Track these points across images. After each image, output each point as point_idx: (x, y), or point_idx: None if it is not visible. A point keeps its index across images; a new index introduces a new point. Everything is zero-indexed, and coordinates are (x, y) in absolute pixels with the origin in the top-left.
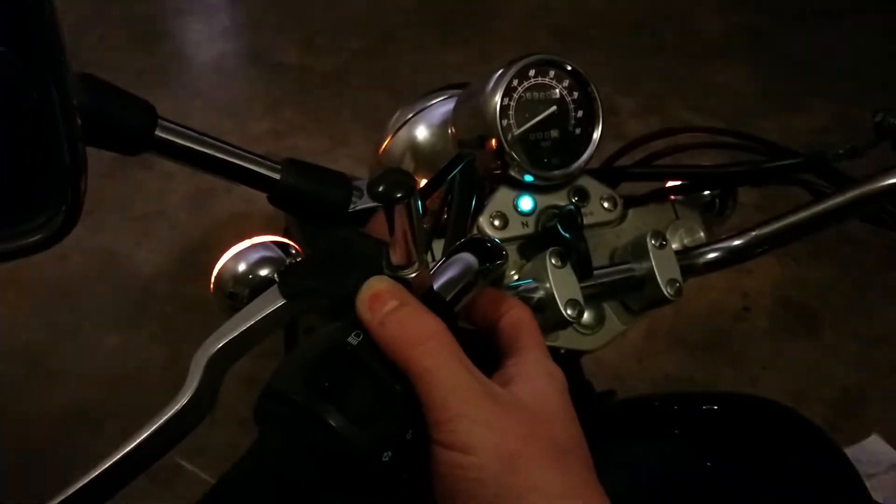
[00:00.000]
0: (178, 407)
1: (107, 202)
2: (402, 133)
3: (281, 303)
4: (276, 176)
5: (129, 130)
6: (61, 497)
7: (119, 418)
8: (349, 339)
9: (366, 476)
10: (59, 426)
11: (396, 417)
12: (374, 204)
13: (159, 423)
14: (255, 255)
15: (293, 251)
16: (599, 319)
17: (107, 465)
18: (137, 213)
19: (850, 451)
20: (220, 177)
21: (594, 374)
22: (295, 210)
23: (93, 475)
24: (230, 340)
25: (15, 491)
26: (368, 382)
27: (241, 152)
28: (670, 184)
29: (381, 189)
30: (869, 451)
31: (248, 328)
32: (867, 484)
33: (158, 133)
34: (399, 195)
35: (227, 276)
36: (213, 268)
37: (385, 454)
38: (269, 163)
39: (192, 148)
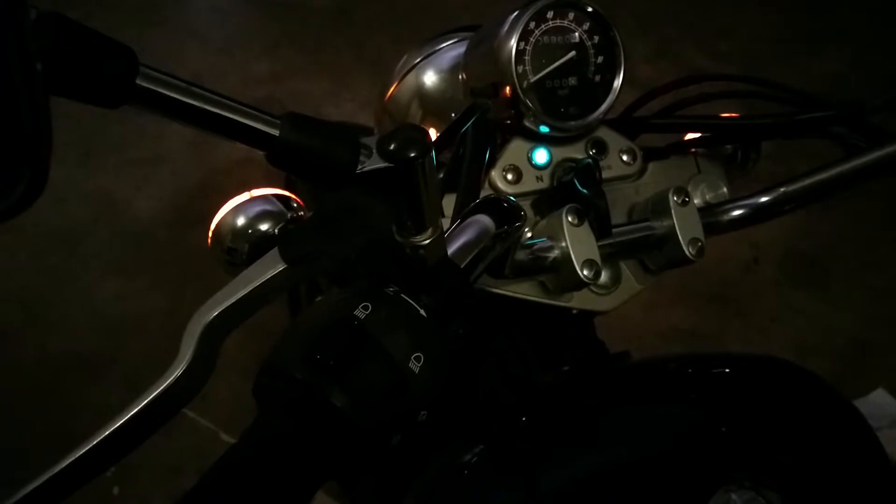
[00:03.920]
0: (171, 379)
1: (105, 144)
2: (409, 79)
3: (281, 267)
4: (275, 132)
5: (105, 79)
6: (53, 471)
7: (119, 364)
8: (356, 313)
9: (372, 461)
10: (59, 372)
11: (409, 397)
12: (385, 164)
13: (152, 395)
14: (255, 209)
15: (295, 205)
16: (615, 279)
17: (98, 440)
18: (137, 157)
19: (856, 405)
20: (210, 133)
21: (598, 323)
22: (296, 171)
23: (85, 449)
24: (227, 308)
25: (14, 438)
26: (378, 359)
27: (235, 105)
28: (692, 136)
29: (392, 147)
30: (874, 405)
31: (245, 294)
32: None
33: (140, 82)
34: (413, 154)
35: (226, 231)
36: (211, 221)
37: (394, 438)
38: (267, 117)
39: (179, 100)
